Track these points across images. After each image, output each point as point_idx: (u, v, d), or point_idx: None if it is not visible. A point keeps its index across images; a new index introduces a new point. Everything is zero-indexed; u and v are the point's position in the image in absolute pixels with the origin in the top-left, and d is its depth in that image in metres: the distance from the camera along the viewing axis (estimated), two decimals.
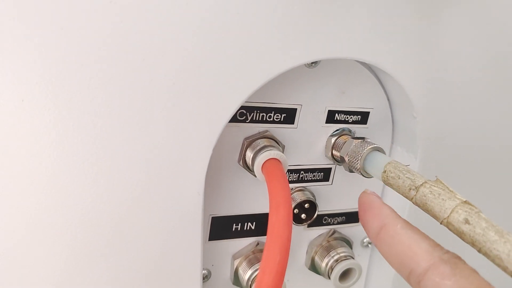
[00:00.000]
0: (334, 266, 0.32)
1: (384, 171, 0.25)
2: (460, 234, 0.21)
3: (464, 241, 0.21)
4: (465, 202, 0.21)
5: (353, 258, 0.32)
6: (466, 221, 0.20)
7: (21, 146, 0.21)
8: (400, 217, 0.22)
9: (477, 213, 0.20)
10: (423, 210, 0.23)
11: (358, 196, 0.34)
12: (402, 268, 0.20)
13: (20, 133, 0.21)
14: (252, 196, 0.30)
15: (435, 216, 0.22)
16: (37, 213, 0.23)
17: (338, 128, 0.30)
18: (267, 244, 0.21)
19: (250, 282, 0.30)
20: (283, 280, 0.20)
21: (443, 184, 0.22)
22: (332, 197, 0.33)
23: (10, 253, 0.23)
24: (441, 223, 0.22)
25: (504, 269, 0.19)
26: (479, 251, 0.20)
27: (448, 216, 0.21)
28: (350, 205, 0.34)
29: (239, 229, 0.31)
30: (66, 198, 0.23)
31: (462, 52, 0.29)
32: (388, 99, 0.31)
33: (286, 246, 0.21)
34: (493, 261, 0.19)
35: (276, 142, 0.28)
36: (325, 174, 0.32)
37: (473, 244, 0.20)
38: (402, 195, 0.24)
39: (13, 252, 0.23)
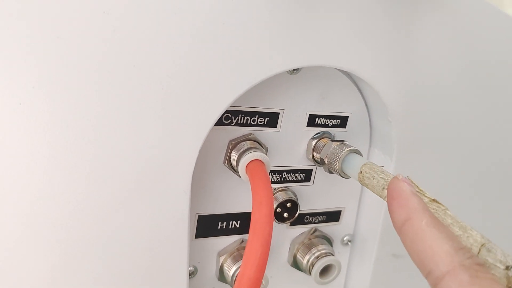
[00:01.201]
0: (315, 263, 0.34)
1: (360, 172, 0.27)
2: None
3: None
4: (433, 200, 0.23)
5: (333, 255, 0.34)
6: None
7: (16, 147, 0.22)
8: (427, 210, 0.21)
9: (444, 210, 0.22)
10: None
11: (338, 196, 0.36)
12: (421, 266, 0.19)
13: (15, 134, 0.22)
14: (237, 196, 0.32)
15: None
16: (28, 208, 0.24)
17: (318, 132, 0.32)
18: (249, 239, 0.23)
19: (234, 278, 0.32)
20: (263, 272, 0.22)
21: (414, 184, 0.24)
22: (313, 197, 0.34)
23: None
24: None
25: None
26: None
27: None
28: (330, 205, 0.35)
29: (224, 227, 0.32)
30: (55, 196, 0.24)
31: (435, 60, 0.31)
32: (366, 105, 0.33)
33: (267, 241, 0.23)
34: None
35: (259, 145, 0.30)
36: (306, 175, 0.33)
37: None
38: (376, 194, 0.26)
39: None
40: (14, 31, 0.21)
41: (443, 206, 0.23)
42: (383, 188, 0.25)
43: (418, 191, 0.24)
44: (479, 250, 0.20)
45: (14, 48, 0.21)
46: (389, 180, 0.25)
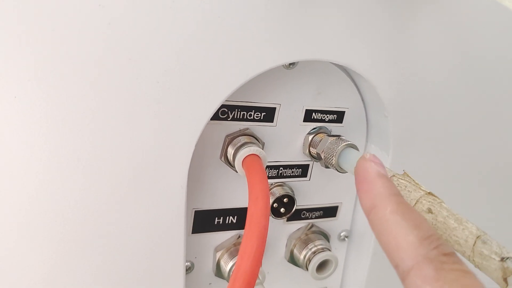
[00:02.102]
0: (312, 258, 0.34)
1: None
2: None
3: None
4: (429, 193, 0.23)
5: (329, 250, 0.34)
6: (429, 211, 0.22)
7: (12, 141, 0.22)
8: (394, 195, 0.19)
9: (439, 203, 0.22)
10: None
11: (335, 191, 0.36)
12: (389, 258, 0.18)
13: (11, 128, 0.22)
14: (234, 191, 0.31)
15: None
16: (26, 203, 0.24)
17: (315, 127, 0.32)
18: (245, 233, 0.23)
19: (231, 273, 0.32)
20: (260, 266, 0.22)
21: (410, 177, 0.24)
22: (310, 192, 0.34)
23: None
24: None
25: (463, 253, 0.20)
26: None
27: (413, 206, 0.23)
28: (327, 200, 0.35)
29: (221, 222, 0.32)
30: (51, 193, 0.24)
31: (432, 55, 0.31)
32: (362, 100, 0.33)
33: (263, 234, 0.23)
34: (453, 246, 0.21)
35: (256, 139, 0.30)
36: (303, 170, 0.33)
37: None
38: None
39: None
40: (9, 24, 0.21)
41: (438, 199, 0.23)
42: None
43: (414, 185, 0.24)
44: (475, 242, 0.20)
45: (9, 42, 0.21)
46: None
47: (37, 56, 0.21)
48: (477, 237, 0.20)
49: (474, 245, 0.20)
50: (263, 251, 0.22)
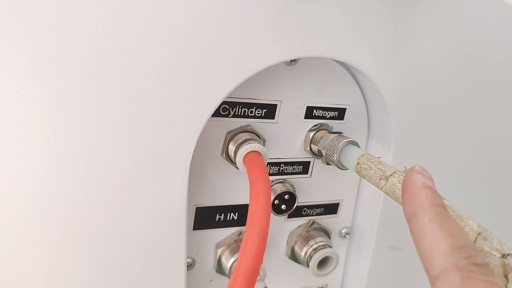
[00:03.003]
0: (313, 255, 0.34)
1: (358, 163, 0.27)
2: None
3: None
4: None
5: (330, 247, 0.34)
6: None
7: (15, 137, 0.22)
8: (435, 206, 0.20)
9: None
10: (392, 198, 0.24)
11: (336, 188, 0.36)
12: (423, 264, 0.19)
13: (13, 123, 0.22)
14: (235, 188, 0.32)
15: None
16: (26, 197, 0.24)
17: (316, 124, 0.32)
18: (247, 229, 0.23)
19: (232, 270, 0.32)
20: (261, 261, 0.22)
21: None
22: (311, 189, 0.34)
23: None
24: None
25: None
26: None
27: None
28: (328, 197, 0.35)
29: (222, 219, 0.32)
30: (54, 187, 0.24)
31: (434, 52, 0.31)
32: (364, 97, 0.33)
33: (265, 230, 0.23)
34: None
35: (257, 136, 0.30)
36: (304, 167, 0.33)
37: None
38: (373, 185, 0.26)
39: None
40: (11, 21, 0.21)
41: (440, 195, 0.23)
42: (380, 179, 0.25)
43: None
44: (476, 238, 0.20)
45: (11, 38, 0.21)
46: (386, 171, 0.25)
47: (39, 52, 0.21)
48: (478, 234, 0.20)
49: (475, 241, 0.20)
50: (264, 247, 0.22)
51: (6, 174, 0.23)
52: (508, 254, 0.19)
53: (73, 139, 0.23)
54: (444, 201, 0.22)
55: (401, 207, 0.26)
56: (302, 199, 0.34)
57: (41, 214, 0.24)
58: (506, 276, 0.18)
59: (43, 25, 0.21)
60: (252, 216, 0.23)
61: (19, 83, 0.21)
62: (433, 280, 0.17)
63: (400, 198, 0.24)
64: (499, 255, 0.19)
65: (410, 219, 0.20)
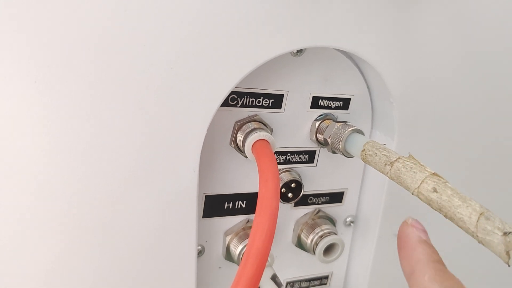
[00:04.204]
0: (319, 242, 0.34)
1: (363, 150, 0.28)
2: (429, 202, 0.23)
3: (433, 208, 0.23)
4: (434, 174, 0.24)
5: (336, 234, 0.35)
6: (434, 190, 0.23)
7: (24, 131, 0.23)
8: (432, 262, 0.20)
9: (444, 183, 0.23)
10: (397, 183, 0.25)
11: (341, 177, 0.37)
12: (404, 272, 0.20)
13: (29, 113, 0.23)
14: (243, 176, 0.32)
15: (407, 187, 0.24)
16: (39, 182, 0.25)
17: (321, 113, 0.33)
18: (257, 213, 0.24)
19: (241, 257, 0.32)
20: (271, 243, 0.23)
21: (415, 159, 0.25)
22: (317, 178, 0.35)
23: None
24: (412, 194, 0.24)
25: (467, 230, 0.21)
26: (445, 215, 0.22)
27: (418, 186, 0.24)
28: (333, 186, 0.36)
29: (230, 207, 0.33)
30: (65, 177, 0.25)
31: (435, 41, 0.32)
32: (368, 87, 0.33)
33: (274, 214, 0.24)
34: (457, 223, 0.22)
35: (265, 125, 0.31)
36: (310, 156, 0.34)
37: (440, 209, 0.23)
38: (379, 170, 0.26)
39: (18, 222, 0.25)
40: (29, 11, 0.21)
41: (443, 179, 0.23)
42: (385, 164, 0.26)
43: (419, 166, 0.24)
44: (478, 218, 0.21)
45: (25, 30, 0.22)
46: (391, 157, 0.26)
47: (55, 42, 0.22)
48: (481, 214, 0.21)
49: (477, 221, 0.21)
50: (274, 230, 0.23)
51: (17, 163, 0.24)
52: (509, 232, 0.19)
53: (88, 127, 0.24)
54: (447, 183, 0.23)
55: (405, 195, 0.27)
56: (308, 188, 0.35)
57: (55, 200, 0.25)
58: (507, 253, 0.19)
59: (59, 14, 0.22)
60: (262, 201, 0.24)
61: (37, 72, 0.22)
62: None
63: (405, 182, 0.24)
64: (501, 233, 0.20)
65: (409, 276, 0.20)
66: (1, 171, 0.24)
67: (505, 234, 0.19)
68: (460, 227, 0.22)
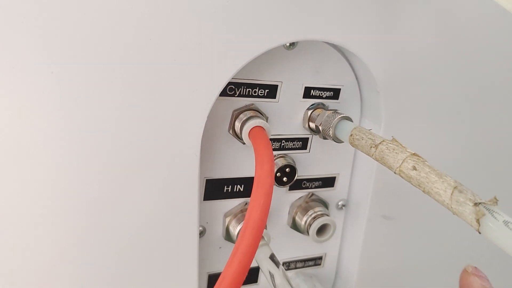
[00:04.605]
0: (312, 223, 0.37)
1: (351, 135, 0.30)
2: (409, 179, 0.26)
3: (412, 185, 0.26)
4: (414, 154, 0.26)
5: (328, 216, 0.37)
6: (414, 168, 0.25)
7: (44, 112, 0.26)
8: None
9: (423, 162, 0.25)
10: (381, 163, 0.27)
11: (333, 163, 0.39)
12: None
13: (48, 100, 0.25)
14: (241, 162, 0.35)
15: (390, 167, 0.27)
16: (49, 168, 0.27)
17: (313, 103, 0.35)
18: (254, 190, 0.26)
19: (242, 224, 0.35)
20: (266, 217, 0.25)
21: (397, 142, 0.27)
22: (310, 164, 0.38)
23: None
24: (395, 172, 0.26)
25: (442, 202, 0.24)
26: (424, 191, 0.25)
27: (400, 166, 0.26)
28: (325, 171, 0.39)
29: (229, 190, 0.35)
30: (72, 158, 0.27)
31: (419, 34, 0.34)
32: (356, 78, 0.36)
33: (269, 191, 0.26)
34: (434, 197, 0.24)
35: (260, 114, 0.33)
36: (303, 143, 0.37)
37: (419, 186, 0.25)
38: (365, 153, 0.29)
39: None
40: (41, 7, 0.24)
41: (422, 158, 0.26)
42: (371, 147, 0.28)
43: (401, 147, 0.27)
44: (452, 191, 0.23)
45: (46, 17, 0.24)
46: (375, 140, 0.28)
47: (69, 35, 0.24)
48: (455, 188, 0.23)
49: (452, 194, 0.23)
50: (269, 205, 0.25)
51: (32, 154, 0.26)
52: (479, 203, 0.22)
53: (98, 113, 0.26)
54: (425, 162, 0.25)
55: (392, 180, 0.29)
56: (301, 173, 0.38)
57: (63, 186, 0.28)
58: (477, 221, 0.22)
59: (66, 14, 0.24)
60: (258, 179, 0.27)
61: (55, 63, 0.24)
62: None
63: (388, 162, 0.27)
64: (471, 204, 0.22)
65: None
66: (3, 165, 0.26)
67: (475, 204, 0.22)
68: (437, 200, 0.24)
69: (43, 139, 0.26)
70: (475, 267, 0.23)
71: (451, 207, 0.23)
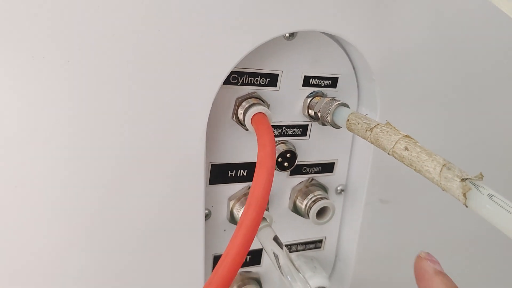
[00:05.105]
0: (312, 206, 0.39)
1: (348, 120, 0.32)
2: (401, 159, 0.27)
3: (405, 164, 0.27)
4: (406, 136, 0.28)
5: (327, 199, 0.39)
6: (406, 148, 0.27)
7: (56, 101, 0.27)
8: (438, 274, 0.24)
9: (414, 143, 0.27)
10: (376, 146, 0.29)
11: (331, 149, 0.41)
12: None
13: (61, 88, 0.27)
14: (244, 147, 0.37)
15: (384, 149, 0.29)
16: (60, 169, 0.29)
17: (312, 91, 0.37)
18: (256, 170, 0.28)
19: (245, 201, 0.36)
20: (269, 194, 0.27)
21: (391, 125, 0.29)
22: (310, 149, 0.39)
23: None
24: (388, 154, 0.28)
25: (432, 179, 0.25)
26: (415, 169, 0.26)
27: (393, 147, 0.28)
28: (324, 157, 0.40)
29: (233, 175, 0.37)
30: (83, 143, 0.29)
31: (413, 24, 0.36)
32: (353, 67, 0.38)
33: (271, 171, 0.28)
34: (424, 175, 0.26)
35: (262, 101, 0.35)
36: (303, 130, 0.38)
37: (410, 165, 0.27)
38: (361, 136, 0.31)
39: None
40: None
41: (413, 139, 0.27)
42: (366, 131, 0.30)
43: (394, 130, 0.29)
44: (441, 169, 0.25)
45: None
46: (370, 124, 0.30)
47: (85, 31, 0.26)
48: (443, 165, 0.25)
49: (440, 171, 0.25)
50: (271, 184, 0.27)
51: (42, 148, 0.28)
52: (466, 178, 0.24)
53: (108, 103, 0.28)
54: (417, 143, 0.27)
55: (387, 167, 0.31)
56: (301, 159, 0.39)
57: (73, 177, 0.29)
58: (464, 195, 0.23)
59: (88, 8, 0.26)
60: (260, 160, 0.28)
61: (70, 52, 0.26)
62: None
63: (383, 144, 0.29)
64: (459, 180, 0.24)
65: None
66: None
67: (462, 180, 0.24)
68: (427, 177, 0.26)
69: (53, 130, 0.28)
70: (428, 253, 0.25)
71: (440, 184, 0.25)
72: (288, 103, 0.37)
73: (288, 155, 0.37)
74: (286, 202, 0.41)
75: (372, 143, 0.30)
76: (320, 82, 0.37)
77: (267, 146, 0.29)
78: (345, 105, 0.34)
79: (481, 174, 0.24)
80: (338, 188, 0.42)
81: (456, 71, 0.40)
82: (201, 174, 0.33)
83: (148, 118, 0.30)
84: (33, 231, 0.30)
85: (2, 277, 0.30)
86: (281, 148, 0.37)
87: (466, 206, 0.24)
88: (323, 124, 0.36)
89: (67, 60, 0.27)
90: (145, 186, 0.32)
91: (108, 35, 0.27)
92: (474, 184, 0.23)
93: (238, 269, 0.24)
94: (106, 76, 0.28)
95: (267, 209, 0.39)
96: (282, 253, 0.34)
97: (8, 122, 0.27)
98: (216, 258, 0.39)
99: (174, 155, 0.32)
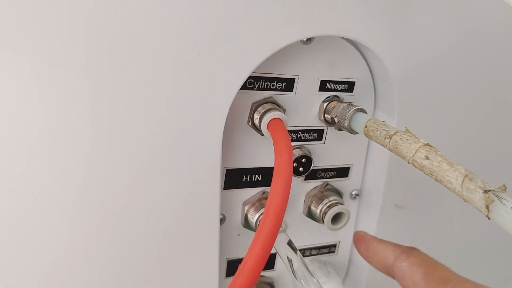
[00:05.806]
0: (327, 211, 0.38)
1: (366, 126, 0.32)
2: (422, 168, 0.27)
3: (425, 173, 0.27)
4: (427, 144, 0.27)
5: (342, 205, 0.39)
6: (427, 157, 0.27)
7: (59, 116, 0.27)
8: (376, 238, 0.34)
9: (435, 152, 0.27)
10: (395, 153, 0.29)
11: (347, 154, 0.40)
12: (382, 266, 0.31)
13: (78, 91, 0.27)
14: (259, 153, 0.36)
15: (403, 157, 0.28)
16: (72, 158, 0.29)
17: (329, 96, 0.37)
18: (274, 179, 0.27)
19: (257, 224, 0.36)
20: (286, 203, 0.26)
21: (410, 132, 0.29)
22: (325, 154, 0.39)
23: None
24: (408, 162, 0.28)
25: (453, 190, 0.25)
26: (436, 179, 0.26)
27: (413, 155, 0.27)
28: (340, 162, 0.40)
29: (248, 180, 0.37)
30: (100, 148, 0.29)
31: (432, 28, 0.35)
32: (370, 71, 0.37)
33: (289, 180, 0.27)
34: (445, 185, 0.25)
35: (278, 106, 0.34)
36: (318, 135, 0.38)
37: (431, 174, 0.26)
38: (379, 144, 0.30)
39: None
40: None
41: (434, 148, 0.27)
42: (385, 138, 0.30)
43: (414, 138, 0.28)
44: (463, 180, 0.24)
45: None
46: (389, 131, 0.29)
47: (103, 36, 0.26)
48: (465, 176, 0.24)
49: (462, 182, 0.24)
50: (289, 192, 0.27)
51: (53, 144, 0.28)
52: (489, 190, 0.23)
53: (129, 109, 0.28)
54: (438, 152, 0.27)
55: (404, 171, 0.30)
56: (317, 163, 0.39)
57: (86, 180, 0.29)
58: (487, 207, 0.23)
59: (105, 10, 0.26)
60: (278, 168, 0.28)
61: (87, 59, 0.26)
62: (391, 267, 0.30)
63: (402, 152, 0.28)
64: (481, 191, 0.23)
65: (365, 251, 0.35)
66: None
67: (485, 191, 0.23)
68: (448, 188, 0.25)
69: (72, 137, 0.28)
70: (361, 230, 0.35)
71: (462, 194, 0.24)
72: (304, 107, 0.36)
73: (303, 160, 0.37)
74: (300, 207, 0.40)
75: (391, 150, 0.29)
76: (336, 86, 0.37)
77: (285, 153, 0.29)
78: (362, 110, 0.34)
79: (504, 185, 0.23)
80: (353, 193, 0.42)
81: (478, 77, 0.39)
82: (217, 179, 0.33)
83: (167, 123, 0.30)
84: (53, 236, 0.30)
85: (21, 279, 0.30)
86: (297, 153, 0.37)
87: (489, 218, 0.23)
88: (340, 130, 0.35)
89: (84, 66, 0.26)
90: (162, 191, 0.32)
91: (126, 40, 0.27)
92: (497, 196, 0.23)
93: (257, 279, 0.24)
94: (124, 82, 0.28)
95: None
96: (296, 258, 0.34)
97: (30, 127, 0.27)
98: (230, 262, 0.39)
99: (190, 160, 0.31)
